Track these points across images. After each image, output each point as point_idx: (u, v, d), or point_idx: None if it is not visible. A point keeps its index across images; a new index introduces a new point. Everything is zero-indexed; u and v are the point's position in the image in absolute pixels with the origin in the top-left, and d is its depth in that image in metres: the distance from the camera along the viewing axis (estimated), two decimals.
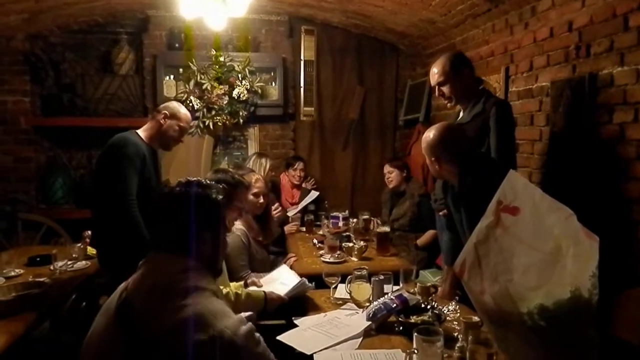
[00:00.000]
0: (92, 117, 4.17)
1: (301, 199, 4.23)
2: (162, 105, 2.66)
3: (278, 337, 1.74)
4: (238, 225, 2.57)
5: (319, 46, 4.62)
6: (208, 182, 1.42)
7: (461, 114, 2.44)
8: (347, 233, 3.32)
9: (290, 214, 4.00)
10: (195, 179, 1.40)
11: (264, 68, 4.43)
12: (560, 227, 1.31)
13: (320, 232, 3.54)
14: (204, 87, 4.13)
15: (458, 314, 1.86)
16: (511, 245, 1.36)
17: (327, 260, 2.83)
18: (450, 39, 3.85)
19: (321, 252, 2.98)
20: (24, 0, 3.29)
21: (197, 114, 4.10)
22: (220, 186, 1.47)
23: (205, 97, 4.14)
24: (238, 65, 4.22)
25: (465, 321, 1.65)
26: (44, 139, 4.27)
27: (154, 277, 1.25)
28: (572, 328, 1.26)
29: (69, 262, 2.70)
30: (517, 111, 2.79)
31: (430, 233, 3.46)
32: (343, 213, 3.66)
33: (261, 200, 2.77)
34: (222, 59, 4.20)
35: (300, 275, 2.30)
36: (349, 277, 2.09)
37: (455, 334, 1.67)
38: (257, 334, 1.26)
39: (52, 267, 2.64)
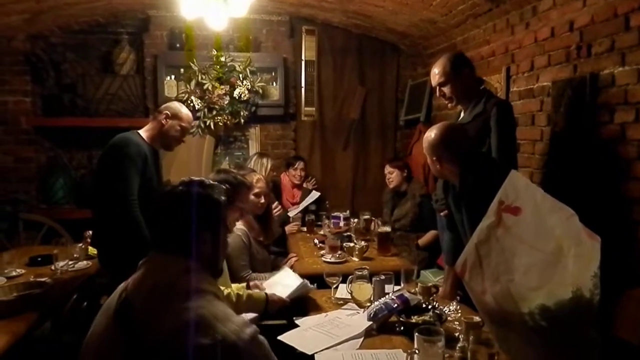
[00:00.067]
0: (93, 118, 4.17)
1: (302, 199, 4.23)
2: (163, 106, 2.66)
3: (279, 337, 1.74)
4: (239, 225, 2.58)
5: (320, 46, 4.62)
6: (210, 182, 1.42)
7: (462, 114, 2.43)
8: (348, 233, 3.32)
9: (291, 214, 4.00)
10: (198, 178, 1.39)
11: (265, 68, 4.43)
12: (561, 227, 1.31)
13: (321, 232, 3.55)
14: (205, 87, 4.12)
15: (459, 314, 1.86)
16: (512, 245, 1.36)
17: (328, 260, 2.83)
18: (451, 39, 3.85)
19: (322, 252, 2.98)
20: (25, 1, 3.29)
21: (198, 114, 4.10)
22: (223, 187, 1.46)
23: (206, 97, 4.13)
24: (239, 66, 4.21)
25: (467, 321, 1.65)
26: (44, 139, 4.27)
27: (154, 277, 1.25)
28: (573, 328, 1.25)
29: (70, 262, 2.71)
30: (518, 111, 2.79)
31: (431, 233, 3.46)
32: (344, 213, 3.66)
33: (262, 200, 2.77)
34: (223, 59, 4.20)
35: (301, 276, 2.30)
36: (350, 277, 2.09)
37: (457, 334, 1.67)
38: (261, 337, 1.24)
39: (53, 267, 2.65)
